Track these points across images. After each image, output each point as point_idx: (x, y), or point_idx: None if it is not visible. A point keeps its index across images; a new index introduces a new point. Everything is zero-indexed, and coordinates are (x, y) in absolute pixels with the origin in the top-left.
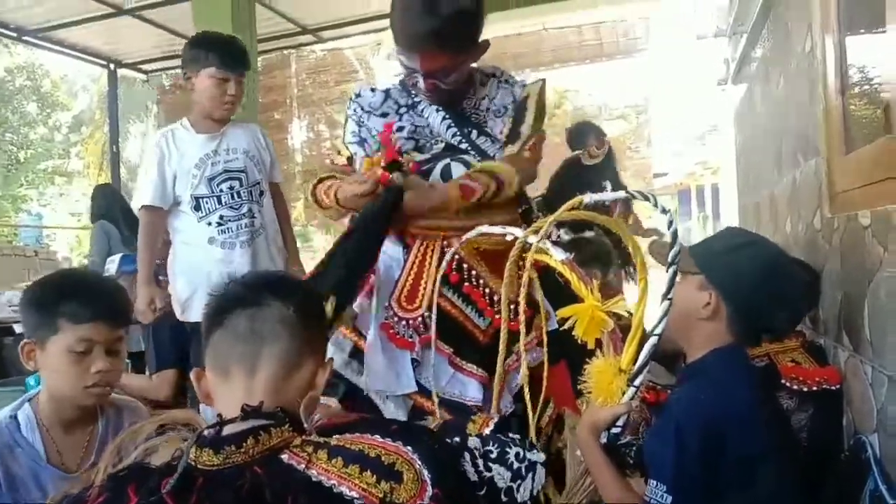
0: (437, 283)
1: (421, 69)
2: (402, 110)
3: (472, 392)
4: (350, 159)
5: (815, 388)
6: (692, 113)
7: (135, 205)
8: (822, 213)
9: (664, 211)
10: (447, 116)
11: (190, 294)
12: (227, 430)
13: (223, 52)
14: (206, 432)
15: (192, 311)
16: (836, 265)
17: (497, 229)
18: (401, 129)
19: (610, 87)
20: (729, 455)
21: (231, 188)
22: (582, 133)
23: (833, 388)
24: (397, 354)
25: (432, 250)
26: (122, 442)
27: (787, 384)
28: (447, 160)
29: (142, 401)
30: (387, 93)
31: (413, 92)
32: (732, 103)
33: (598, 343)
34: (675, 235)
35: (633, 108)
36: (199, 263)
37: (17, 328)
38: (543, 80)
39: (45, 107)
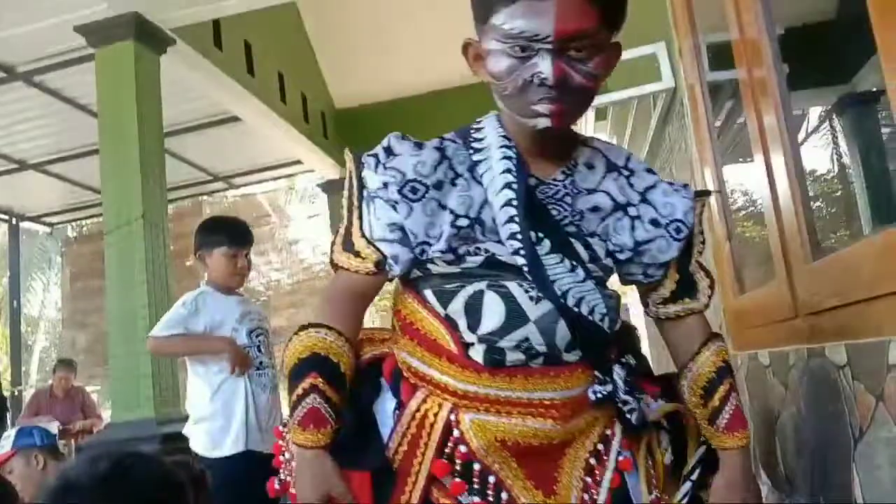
0: (423, 475)
1: (555, 27)
2: (459, 180)
3: None
4: (379, 265)
5: None
6: None
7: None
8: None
9: None
10: (514, 198)
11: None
12: None
13: (232, 232)
14: None
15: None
16: (745, 400)
17: None
18: (456, 226)
19: None
20: None
21: (262, 342)
22: None
23: None
24: None
25: (434, 419)
26: None
27: None
28: (482, 284)
29: None
30: (441, 150)
31: (476, 146)
32: None
33: None
34: None
35: None
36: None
37: None
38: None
39: None
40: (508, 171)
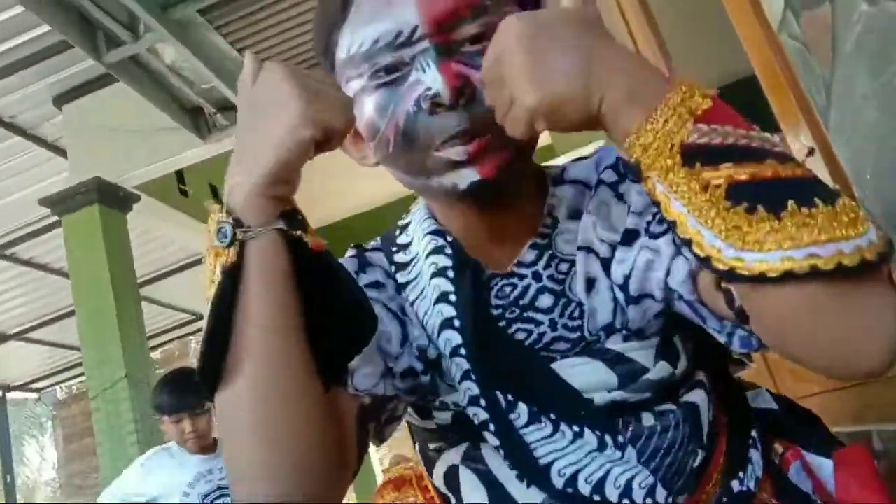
0: None
1: (422, 12)
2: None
3: None
4: None
5: None
6: None
7: None
8: None
9: None
10: (461, 345)
11: None
12: None
13: (168, 397)
14: None
15: None
16: None
17: None
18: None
19: None
20: None
21: None
22: None
23: None
24: None
25: None
26: None
27: None
28: (456, 457)
29: None
30: (359, 258)
31: (399, 258)
32: None
33: None
34: None
35: None
36: None
37: None
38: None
39: None
40: (444, 297)
